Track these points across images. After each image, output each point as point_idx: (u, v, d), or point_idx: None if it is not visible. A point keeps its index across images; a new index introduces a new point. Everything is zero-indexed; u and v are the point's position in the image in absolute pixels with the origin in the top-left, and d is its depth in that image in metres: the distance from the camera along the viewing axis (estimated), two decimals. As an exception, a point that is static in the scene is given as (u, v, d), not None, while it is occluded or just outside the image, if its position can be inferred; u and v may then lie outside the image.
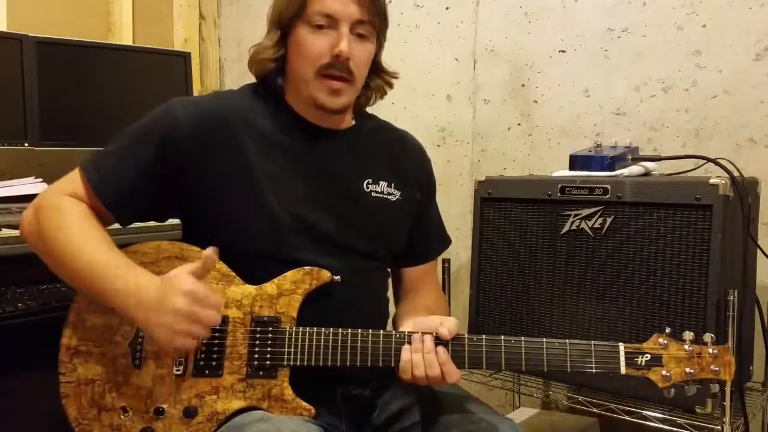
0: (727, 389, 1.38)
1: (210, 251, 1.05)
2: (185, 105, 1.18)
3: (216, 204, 1.17)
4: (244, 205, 1.16)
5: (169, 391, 1.10)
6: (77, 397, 1.12)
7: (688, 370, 1.06)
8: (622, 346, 1.07)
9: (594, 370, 1.07)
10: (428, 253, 1.39)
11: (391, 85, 1.32)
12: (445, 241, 1.44)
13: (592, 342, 1.08)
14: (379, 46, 1.27)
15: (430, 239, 1.40)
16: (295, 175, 1.19)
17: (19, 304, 1.68)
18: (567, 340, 1.09)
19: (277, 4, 1.22)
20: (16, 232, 1.62)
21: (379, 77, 1.30)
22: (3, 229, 1.62)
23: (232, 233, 1.16)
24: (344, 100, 1.20)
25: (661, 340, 1.08)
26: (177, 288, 1.03)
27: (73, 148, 2.23)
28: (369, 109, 1.37)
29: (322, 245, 1.18)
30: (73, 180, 1.18)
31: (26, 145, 2.04)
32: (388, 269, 1.34)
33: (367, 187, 1.25)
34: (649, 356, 1.07)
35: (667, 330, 1.09)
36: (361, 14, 1.17)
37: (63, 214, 1.14)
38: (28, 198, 1.86)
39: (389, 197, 1.27)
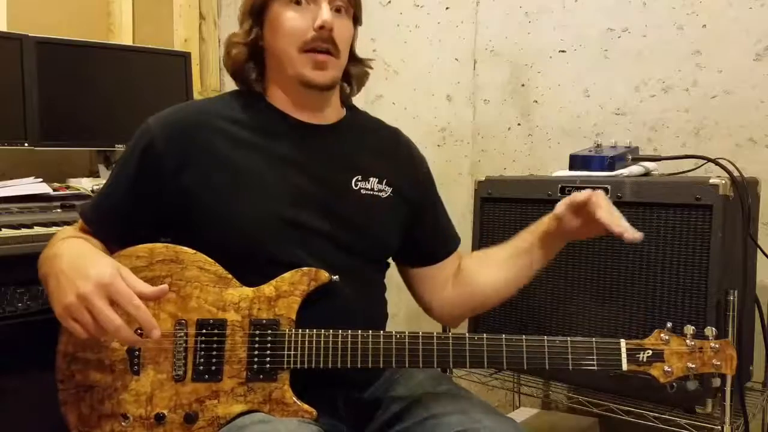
0: (728, 389, 1.38)
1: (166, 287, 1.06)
2: (158, 118, 1.20)
3: (203, 209, 1.16)
4: (230, 207, 1.15)
5: (168, 397, 1.09)
6: (76, 404, 1.11)
7: (689, 365, 1.06)
8: (623, 343, 1.07)
9: (596, 367, 1.07)
10: (449, 249, 1.37)
11: (367, 74, 1.32)
12: (456, 237, 1.42)
13: (594, 339, 1.08)
14: (355, 31, 1.26)
15: (446, 235, 1.38)
16: (282, 174, 1.18)
17: (19, 304, 1.68)
18: (568, 338, 1.09)
19: None
20: (16, 232, 1.62)
21: (357, 66, 1.30)
22: (3, 229, 1.62)
23: (222, 236, 1.15)
24: (331, 75, 1.19)
25: (662, 335, 1.07)
26: (97, 273, 1.00)
27: (73, 148, 2.23)
28: (367, 109, 1.37)
29: (315, 245, 1.17)
30: None
31: (26, 145, 2.04)
32: (384, 269, 1.32)
33: (356, 184, 1.23)
34: (650, 352, 1.07)
35: (669, 325, 1.08)
36: None
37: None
38: (28, 198, 1.87)
39: (380, 194, 1.26)
